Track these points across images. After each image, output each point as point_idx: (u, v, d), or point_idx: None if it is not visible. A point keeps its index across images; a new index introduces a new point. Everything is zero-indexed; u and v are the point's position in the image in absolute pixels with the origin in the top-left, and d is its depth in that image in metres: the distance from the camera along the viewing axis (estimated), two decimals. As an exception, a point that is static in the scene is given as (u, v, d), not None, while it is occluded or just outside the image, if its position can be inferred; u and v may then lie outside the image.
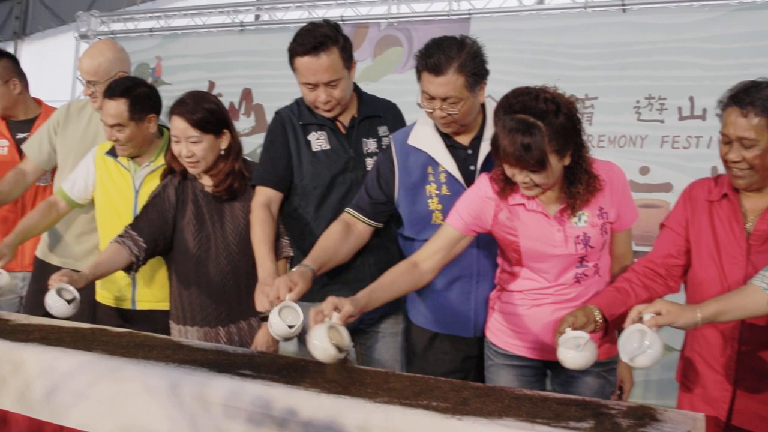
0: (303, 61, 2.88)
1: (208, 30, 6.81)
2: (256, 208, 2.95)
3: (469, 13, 5.64)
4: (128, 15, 7.39)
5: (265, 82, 6.38)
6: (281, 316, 2.40)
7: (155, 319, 3.24)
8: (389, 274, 2.58)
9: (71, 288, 2.76)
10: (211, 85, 6.53)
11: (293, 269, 2.63)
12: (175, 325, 3.12)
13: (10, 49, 8.60)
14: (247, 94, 6.44)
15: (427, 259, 2.59)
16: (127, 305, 3.35)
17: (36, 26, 9.49)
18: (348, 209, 2.89)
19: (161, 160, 3.29)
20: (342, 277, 2.92)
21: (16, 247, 3.34)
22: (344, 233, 2.82)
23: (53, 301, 2.75)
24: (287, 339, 2.44)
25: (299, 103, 3.05)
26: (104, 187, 3.38)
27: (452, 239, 2.60)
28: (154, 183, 3.23)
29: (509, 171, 2.45)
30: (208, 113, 3.01)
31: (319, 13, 6.41)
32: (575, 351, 2.23)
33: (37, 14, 9.43)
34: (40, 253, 3.79)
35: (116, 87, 3.28)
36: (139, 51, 7.03)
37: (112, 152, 3.37)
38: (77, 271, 2.92)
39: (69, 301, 2.77)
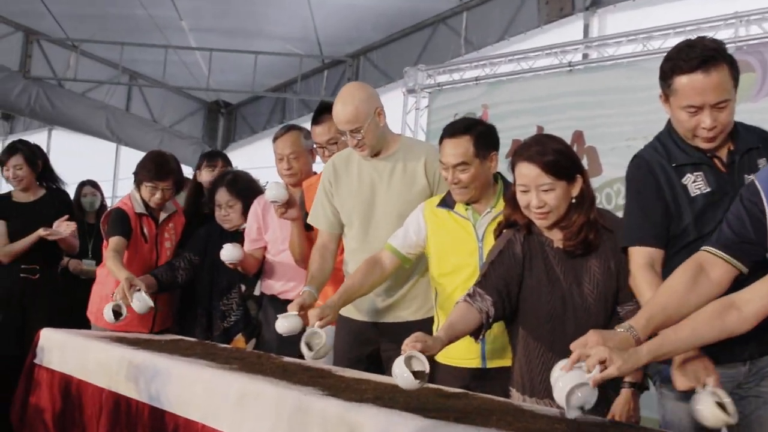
0: (686, 80, 2.52)
1: (534, 73, 6.70)
2: (639, 270, 2.58)
3: (838, 25, 4.99)
4: (454, 66, 7.49)
5: (598, 123, 6.15)
6: None
7: (498, 377, 3.03)
8: (693, 319, 2.18)
9: (423, 358, 2.50)
10: (539, 129, 6.36)
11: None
12: (516, 393, 2.86)
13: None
14: (578, 137, 6.21)
15: (750, 301, 2.17)
16: (476, 363, 3.14)
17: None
18: (706, 248, 2.39)
19: (501, 206, 3.07)
20: None
21: (339, 309, 3.26)
22: (692, 282, 2.33)
23: (401, 371, 2.49)
24: None
25: (661, 141, 2.69)
26: (440, 242, 3.23)
27: None
28: None
29: None
30: (559, 155, 2.73)
31: (655, 45, 6.06)
32: None
33: (367, 74, 9.92)
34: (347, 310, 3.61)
35: (457, 125, 3.17)
36: (464, 101, 7.11)
37: (444, 203, 3.24)
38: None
39: (416, 374, 2.49)
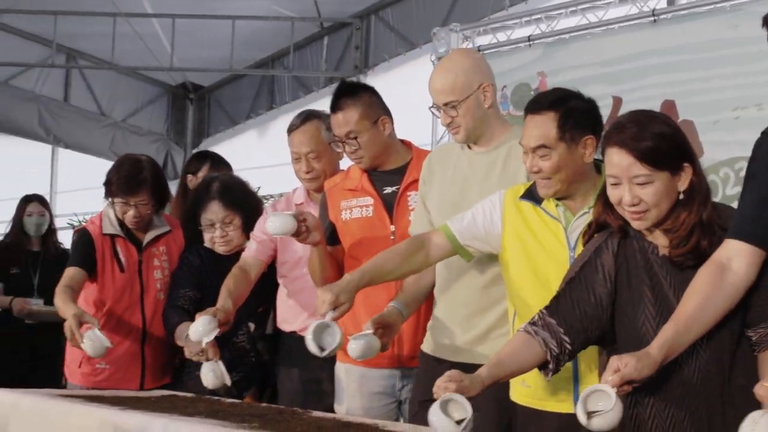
0: None
1: (606, 27, 6.70)
2: (709, 264, 2.72)
3: None
4: (498, 23, 7.49)
5: (694, 89, 6.12)
6: None
7: None
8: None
9: (464, 401, 2.62)
10: (617, 102, 6.37)
11: None
12: None
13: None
14: (669, 108, 6.20)
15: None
16: (565, 408, 3.17)
17: (381, 56, 10.02)
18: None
19: None
20: None
21: (357, 291, 3.32)
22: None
23: (438, 420, 2.61)
24: None
25: None
26: (521, 244, 3.30)
27: None
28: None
29: None
30: (659, 140, 2.80)
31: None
32: None
33: (382, 41, 9.88)
34: (426, 345, 3.74)
35: (542, 98, 3.28)
36: (515, 68, 7.10)
37: (530, 195, 3.31)
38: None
39: (459, 422, 2.61)
